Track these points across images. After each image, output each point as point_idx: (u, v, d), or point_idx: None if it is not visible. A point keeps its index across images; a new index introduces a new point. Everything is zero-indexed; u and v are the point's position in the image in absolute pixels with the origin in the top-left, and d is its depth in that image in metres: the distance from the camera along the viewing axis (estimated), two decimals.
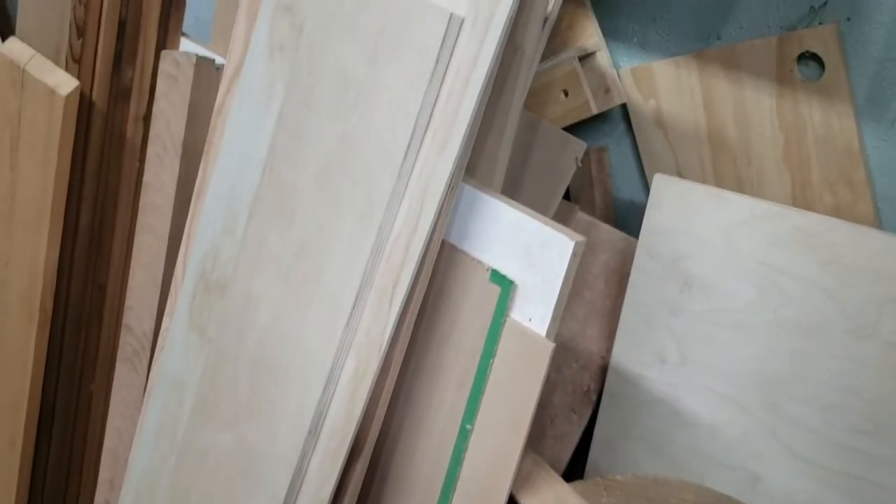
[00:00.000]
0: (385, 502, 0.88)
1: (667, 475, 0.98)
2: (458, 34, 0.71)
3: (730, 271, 0.96)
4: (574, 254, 0.72)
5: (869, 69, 0.98)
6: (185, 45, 1.07)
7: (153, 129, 0.97)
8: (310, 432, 0.80)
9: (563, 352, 1.12)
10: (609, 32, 1.17)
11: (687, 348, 0.99)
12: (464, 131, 0.71)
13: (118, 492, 0.98)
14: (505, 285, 0.76)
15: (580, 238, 0.73)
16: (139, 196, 1.00)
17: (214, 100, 0.89)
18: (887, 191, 1.01)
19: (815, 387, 0.92)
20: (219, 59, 0.96)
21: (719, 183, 1.11)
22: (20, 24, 1.10)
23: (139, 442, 0.94)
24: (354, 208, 0.76)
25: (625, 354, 1.04)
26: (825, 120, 1.02)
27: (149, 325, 0.99)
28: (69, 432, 1.17)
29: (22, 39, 1.10)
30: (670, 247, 0.99)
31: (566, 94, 1.13)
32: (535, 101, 1.14)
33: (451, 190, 0.74)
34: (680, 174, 1.15)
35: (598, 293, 1.11)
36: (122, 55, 1.04)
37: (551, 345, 0.74)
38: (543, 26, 0.81)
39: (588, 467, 1.10)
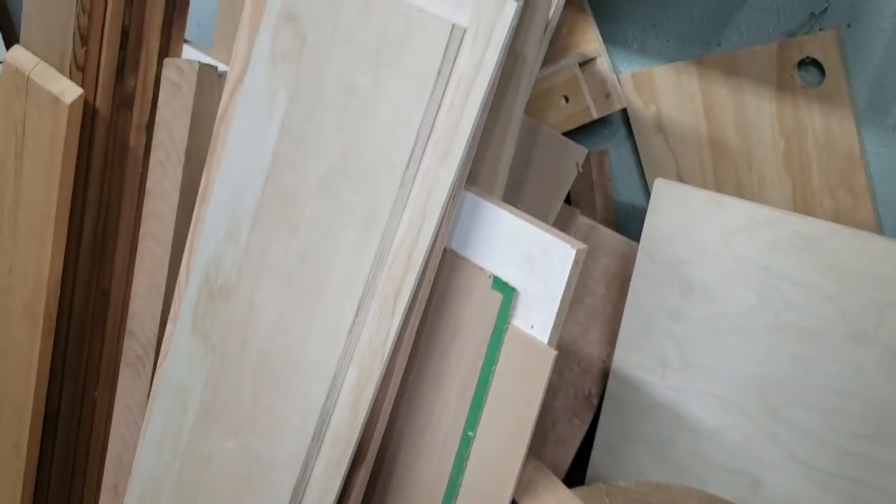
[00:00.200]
0: None
1: (669, 481, 0.98)
2: (459, 45, 0.71)
3: (730, 276, 0.96)
4: (576, 261, 0.73)
5: (869, 75, 0.99)
6: (188, 51, 1.08)
7: (156, 137, 0.97)
8: (313, 439, 0.80)
9: (565, 356, 1.13)
10: (609, 38, 1.18)
11: (688, 353, 1.00)
12: (466, 140, 0.71)
13: (122, 498, 0.98)
14: (507, 292, 0.77)
15: (582, 246, 0.73)
16: (142, 203, 1.01)
17: (217, 107, 0.89)
18: (888, 196, 1.02)
19: (816, 391, 0.92)
20: (221, 66, 0.96)
21: (720, 188, 1.12)
22: (24, 32, 1.11)
23: (143, 448, 0.95)
24: (357, 216, 0.77)
25: (626, 359, 1.05)
26: (826, 125, 1.02)
27: (152, 332, 1.00)
28: (73, 438, 1.17)
29: (26, 48, 1.10)
30: (671, 251, 0.99)
31: (567, 99, 1.13)
32: (536, 106, 1.15)
33: (454, 198, 0.75)
34: (681, 179, 1.15)
35: (599, 297, 1.11)
36: (126, 63, 1.04)
37: (553, 352, 0.74)
38: (544, 33, 0.82)
39: (589, 471, 1.11)
